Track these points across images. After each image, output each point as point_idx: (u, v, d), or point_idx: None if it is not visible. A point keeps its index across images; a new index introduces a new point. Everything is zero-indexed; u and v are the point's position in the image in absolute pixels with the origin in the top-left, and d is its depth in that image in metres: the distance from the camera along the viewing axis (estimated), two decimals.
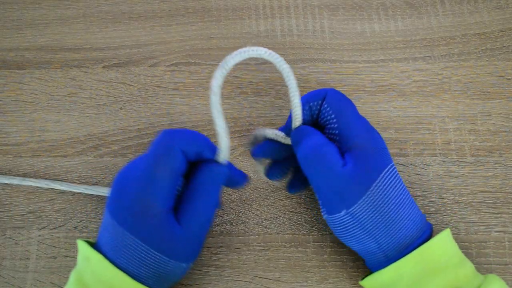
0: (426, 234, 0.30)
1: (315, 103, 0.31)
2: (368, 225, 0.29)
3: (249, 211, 0.37)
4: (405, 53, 0.41)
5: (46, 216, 0.37)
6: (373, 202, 0.28)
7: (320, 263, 0.35)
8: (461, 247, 0.35)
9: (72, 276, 0.29)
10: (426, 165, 0.37)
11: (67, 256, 0.36)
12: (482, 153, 0.38)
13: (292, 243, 0.36)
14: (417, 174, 0.37)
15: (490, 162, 0.37)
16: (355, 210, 0.28)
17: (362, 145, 0.29)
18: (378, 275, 0.30)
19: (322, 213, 0.31)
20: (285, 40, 0.41)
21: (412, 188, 0.37)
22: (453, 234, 0.36)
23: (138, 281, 0.28)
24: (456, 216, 0.36)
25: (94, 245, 0.30)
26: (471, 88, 0.39)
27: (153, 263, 0.28)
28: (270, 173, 0.35)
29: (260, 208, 0.37)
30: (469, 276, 0.29)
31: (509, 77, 0.40)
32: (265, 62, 0.41)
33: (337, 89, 0.40)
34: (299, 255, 0.36)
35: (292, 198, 0.37)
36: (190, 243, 0.29)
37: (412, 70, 0.40)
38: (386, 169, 0.29)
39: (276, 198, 0.37)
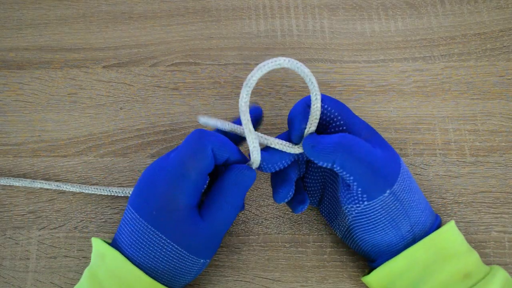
0: (438, 220, 0.31)
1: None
2: (406, 204, 0.29)
3: (249, 211, 0.37)
4: (405, 53, 0.41)
5: (46, 216, 0.37)
6: (405, 181, 0.30)
7: (320, 263, 0.35)
8: None
9: (86, 273, 0.30)
10: (426, 165, 0.37)
11: (67, 256, 0.36)
12: (482, 153, 0.38)
13: (292, 243, 0.36)
14: (417, 174, 0.37)
15: (490, 162, 0.37)
16: (396, 188, 0.29)
17: (375, 134, 0.31)
18: (390, 263, 0.30)
19: (355, 207, 0.30)
20: (285, 40, 0.41)
21: None
22: None
23: (153, 277, 0.29)
24: (456, 216, 0.36)
25: (110, 243, 0.31)
26: (471, 88, 0.39)
27: (173, 257, 0.29)
28: (279, 196, 0.31)
29: (260, 208, 0.37)
30: (478, 263, 0.30)
31: (509, 77, 0.40)
32: None
33: (337, 89, 0.40)
34: (299, 255, 0.36)
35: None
36: (211, 239, 0.30)
37: (412, 70, 0.40)
38: (402, 170, 0.30)
39: None
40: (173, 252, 0.29)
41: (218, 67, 0.41)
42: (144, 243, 0.29)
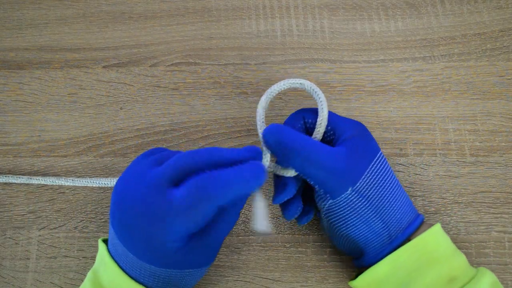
0: (420, 219, 0.31)
1: (309, 120, 0.32)
2: (375, 201, 0.29)
3: (249, 211, 0.37)
4: (405, 53, 0.41)
5: (46, 216, 0.37)
6: (375, 179, 0.29)
7: (320, 263, 0.35)
8: (461, 247, 0.35)
9: (89, 278, 0.30)
10: (426, 165, 0.37)
11: (67, 256, 0.36)
12: (482, 153, 0.38)
13: (292, 243, 0.36)
14: (417, 174, 0.37)
15: (490, 162, 0.37)
16: (360, 186, 0.29)
17: (354, 135, 0.31)
18: (374, 268, 0.30)
19: (323, 204, 0.30)
20: (285, 40, 0.41)
21: (412, 188, 0.37)
22: (453, 234, 0.36)
23: None
24: (456, 216, 0.36)
25: (108, 247, 0.30)
26: (471, 88, 0.39)
27: (173, 278, 0.29)
28: (287, 213, 0.32)
29: None
30: (463, 267, 0.30)
31: (509, 77, 0.40)
32: (265, 62, 0.41)
33: (337, 89, 0.40)
34: (299, 255, 0.36)
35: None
36: (213, 249, 0.30)
37: (412, 70, 0.40)
38: (379, 153, 0.31)
39: None
40: (172, 275, 0.28)
41: (218, 67, 0.41)
42: (140, 270, 0.28)
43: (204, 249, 0.29)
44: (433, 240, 0.29)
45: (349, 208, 0.30)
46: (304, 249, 0.36)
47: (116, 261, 0.29)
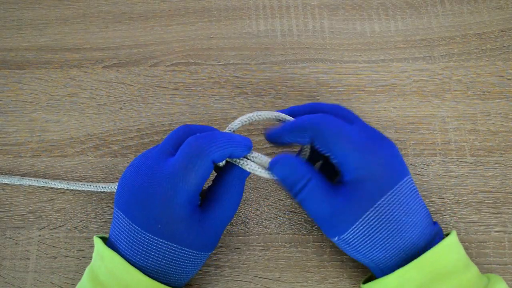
0: (438, 238, 0.30)
1: (302, 139, 0.30)
2: (362, 249, 0.29)
3: (249, 211, 0.37)
4: (405, 53, 0.41)
5: (46, 216, 0.37)
6: (367, 229, 0.29)
7: (320, 263, 0.35)
8: None
9: (86, 273, 0.30)
10: (426, 165, 0.37)
11: (67, 256, 0.36)
12: (482, 153, 0.38)
13: (292, 243, 0.36)
14: (417, 174, 0.37)
15: (490, 162, 0.37)
16: (347, 237, 0.29)
17: (358, 177, 0.29)
18: (382, 281, 0.29)
19: (332, 238, 0.31)
20: (285, 40, 0.41)
21: None
22: None
23: (155, 277, 0.29)
24: (456, 216, 0.36)
25: (107, 243, 0.31)
26: (471, 88, 0.39)
27: (176, 258, 0.29)
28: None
29: (260, 208, 0.37)
30: (473, 280, 0.29)
31: (509, 77, 0.40)
32: (265, 62, 0.41)
33: (337, 89, 0.40)
34: (299, 255, 0.36)
35: (292, 198, 0.37)
36: (215, 232, 0.30)
37: (412, 70, 0.40)
38: (393, 188, 0.29)
39: (276, 198, 0.37)
40: (177, 253, 0.29)
41: (218, 67, 0.41)
42: (145, 249, 0.28)
43: (207, 228, 0.29)
44: (443, 255, 0.28)
45: (349, 247, 0.30)
46: (304, 249, 0.36)
47: (116, 250, 0.29)
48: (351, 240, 0.29)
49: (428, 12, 0.42)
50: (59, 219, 0.37)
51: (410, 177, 0.30)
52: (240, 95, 0.40)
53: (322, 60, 0.41)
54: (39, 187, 0.38)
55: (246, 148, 0.29)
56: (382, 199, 0.28)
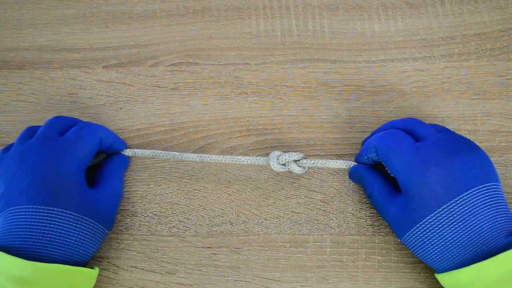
0: None
1: (371, 155, 0.34)
2: (420, 253, 0.32)
3: (249, 211, 0.37)
4: (405, 53, 0.41)
5: None
6: (417, 240, 0.31)
7: (320, 263, 0.35)
8: None
9: None
10: None
11: None
12: None
13: (292, 243, 0.36)
14: None
15: None
16: (405, 241, 0.32)
17: (407, 192, 0.31)
18: (457, 273, 0.29)
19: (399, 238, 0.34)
20: (285, 40, 0.41)
21: None
22: None
23: (45, 255, 0.30)
24: None
25: None
26: (471, 88, 0.39)
27: (76, 227, 0.31)
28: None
29: (260, 208, 0.37)
30: None
31: (509, 77, 0.40)
32: (265, 62, 0.41)
33: (337, 89, 0.40)
34: (299, 255, 0.36)
35: (292, 198, 0.37)
36: (107, 206, 0.34)
37: (412, 70, 0.40)
38: (437, 211, 0.30)
39: (276, 198, 0.37)
40: (77, 222, 0.31)
41: (218, 67, 0.41)
42: (44, 226, 0.30)
43: (100, 200, 0.33)
44: None
45: (411, 248, 0.32)
46: (304, 249, 0.36)
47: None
48: (408, 244, 0.32)
49: (428, 12, 0.42)
50: None
51: (487, 186, 0.30)
52: (240, 95, 0.40)
53: (322, 60, 0.41)
54: None
55: (125, 144, 0.38)
56: (432, 215, 0.30)
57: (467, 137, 0.38)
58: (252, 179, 0.38)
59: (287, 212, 0.37)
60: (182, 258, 0.36)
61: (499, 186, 0.31)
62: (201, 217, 0.37)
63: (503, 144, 0.38)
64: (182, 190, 0.38)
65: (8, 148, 0.35)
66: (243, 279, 0.35)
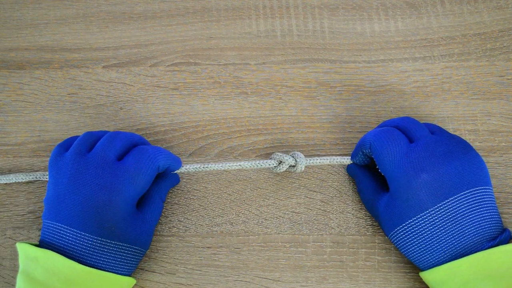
0: (505, 235, 0.30)
1: (366, 150, 0.34)
2: (404, 251, 0.32)
3: (249, 211, 0.37)
4: (405, 53, 0.41)
5: None
6: (400, 240, 0.32)
7: (320, 263, 0.35)
8: None
9: (20, 279, 0.29)
10: None
11: None
12: (482, 153, 0.38)
13: (292, 243, 0.36)
14: None
15: (490, 162, 0.37)
16: (391, 238, 0.33)
17: (393, 193, 0.32)
18: (434, 271, 0.31)
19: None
20: (285, 40, 0.41)
21: None
22: None
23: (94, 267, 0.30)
24: None
25: (39, 246, 0.31)
26: (471, 88, 0.39)
27: (125, 255, 0.32)
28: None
29: (260, 208, 0.37)
30: None
31: (509, 77, 0.40)
32: (265, 62, 0.41)
33: (337, 89, 0.40)
34: (299, 255, 0.36)
35: (292, 198, 0.37)
36: (151, 233, 0.34)
37: (412, 70, 0.40)
38: (419, 215, 0.31)
39: (276, 198, 0.37)
40: (126, 251, 0.32)
41: (218, 67, 0.41)
42: (95, 251, 0.30)
43: (147, 229, 0.33)
44: (502, 257, 0.29)
45: (399, 245, 0.33)
46: (304, 249, 0.36)
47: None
48: (393, 241, 0.33)
49: (428, 12, 0.42)
50: None
51: (475, 190, 0.30)
52: (240, 95, 0.40)
53: (322, 60, 0.41)
54: (39, 187, 0.38)
55: (181, 163, 0.35)
56: (415, 218, 0.31)
57: (467, 137, 0.38)
58: (252, 179, 0.38)
59: (287, 212, 0.37)
60: (182, 258, 0.36)
61: (489, 189, 0.31)
62: (201, 217, 0.37)
63: (503, 144, 0.38)
64: (182, 190, 0.38)
65: (66, 146, 0.33)
66: (243, 279, 0.35)
